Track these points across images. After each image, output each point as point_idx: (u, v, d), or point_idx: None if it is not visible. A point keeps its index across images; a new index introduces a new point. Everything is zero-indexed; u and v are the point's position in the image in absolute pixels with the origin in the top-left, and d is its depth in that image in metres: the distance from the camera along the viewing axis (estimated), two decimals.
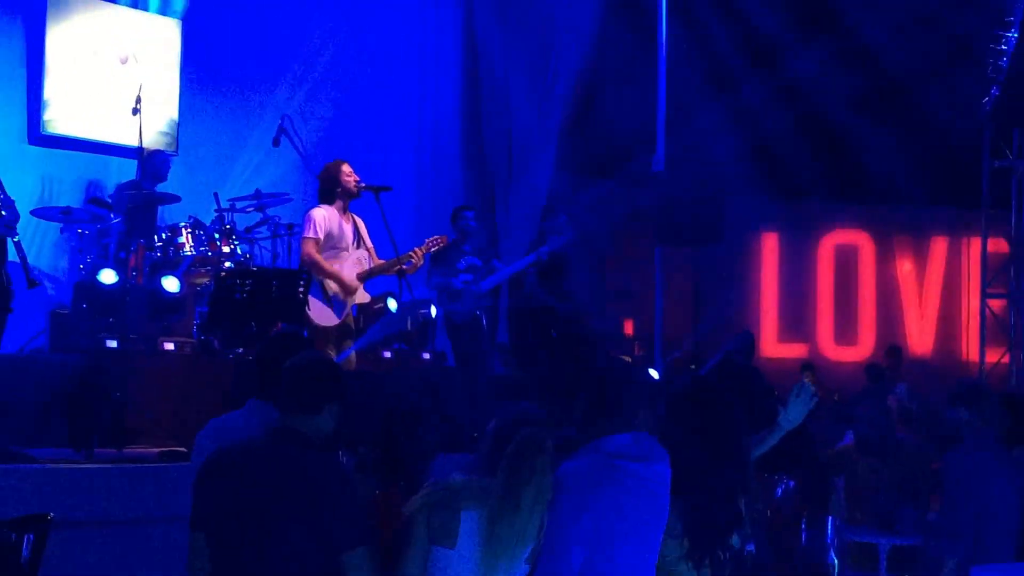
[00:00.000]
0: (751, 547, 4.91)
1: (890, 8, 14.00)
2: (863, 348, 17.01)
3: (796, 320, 17.16)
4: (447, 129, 12.78)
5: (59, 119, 9.56)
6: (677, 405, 4.61)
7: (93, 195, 8.99)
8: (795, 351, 16.60)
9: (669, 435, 4.41)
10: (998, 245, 14.44)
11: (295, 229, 9.12)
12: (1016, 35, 13.50)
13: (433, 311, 9.71)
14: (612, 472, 3.98)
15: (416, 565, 3.85)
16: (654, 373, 10.46)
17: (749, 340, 12.63)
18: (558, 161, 12.95)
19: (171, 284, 8.30)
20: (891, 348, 15.07)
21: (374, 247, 8.76)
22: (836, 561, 6.00)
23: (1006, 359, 14.44)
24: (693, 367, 10.98)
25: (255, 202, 9.36)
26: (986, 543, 5.59)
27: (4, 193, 6.93)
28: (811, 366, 15.49)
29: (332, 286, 8.41)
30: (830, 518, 6.13)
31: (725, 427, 4.46)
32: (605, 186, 15.20)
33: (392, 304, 9.32)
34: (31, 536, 3.94)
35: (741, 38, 14.45)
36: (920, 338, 16.92)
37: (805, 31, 14.29)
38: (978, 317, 15.20)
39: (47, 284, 8.95)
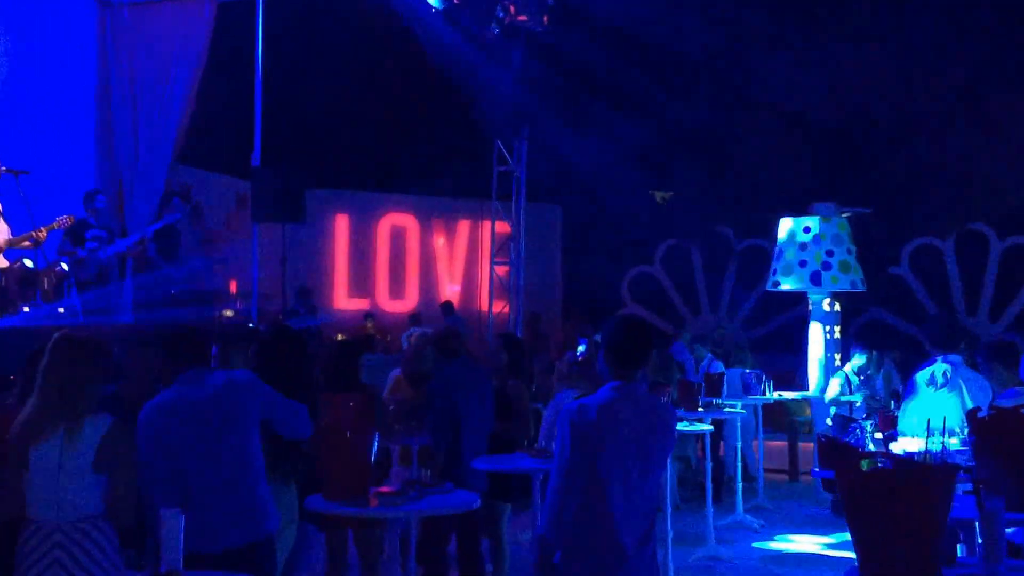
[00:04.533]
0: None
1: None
2: (410, 302, 17.49)
3: (361, 281, 17.39)
4: (83, 127, 11.75)
5: None
6: (265, 344, 4.70)
7: None
8: (360, 304, 16.82)
9: (260, 364, 4.46)
10: (503, 227, 15.18)
11: None
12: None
13: (65, 267, 8.99)
14: (176, 401, 3.83)
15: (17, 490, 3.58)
16: (251, 324, 10.20)
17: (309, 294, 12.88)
18: (183, 156, 12.25)
19: None
20: (445, 303, 15.55)
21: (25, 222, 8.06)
22: None
23: (507, 309, 15.27)
24: (280, 317, 10.80)
25: None
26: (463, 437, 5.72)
27: None
28: (372, 315, 15.72)
29: None
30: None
31: (297, 360, 4.55)
32: (217, 177, 14.67)
33: (28, 263, 8.58)
34: None
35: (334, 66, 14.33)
36: (450, 294, 17.60)
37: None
38: (488, 279, 15.96)
39: None
